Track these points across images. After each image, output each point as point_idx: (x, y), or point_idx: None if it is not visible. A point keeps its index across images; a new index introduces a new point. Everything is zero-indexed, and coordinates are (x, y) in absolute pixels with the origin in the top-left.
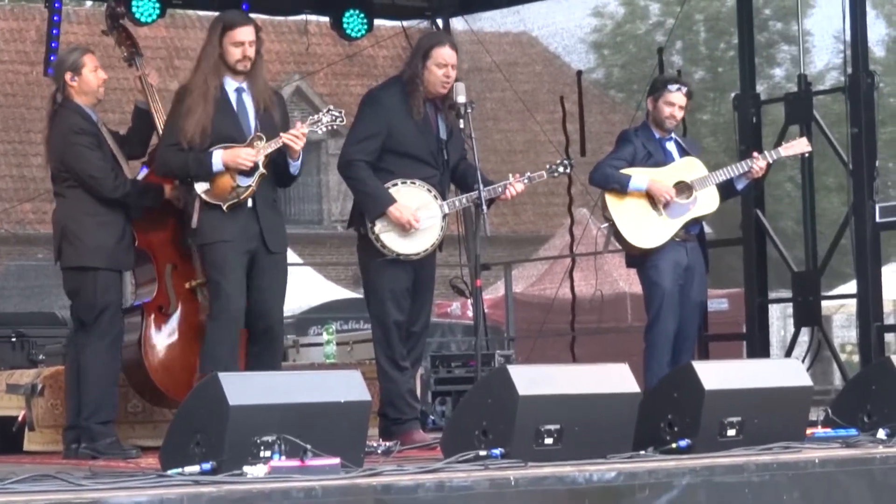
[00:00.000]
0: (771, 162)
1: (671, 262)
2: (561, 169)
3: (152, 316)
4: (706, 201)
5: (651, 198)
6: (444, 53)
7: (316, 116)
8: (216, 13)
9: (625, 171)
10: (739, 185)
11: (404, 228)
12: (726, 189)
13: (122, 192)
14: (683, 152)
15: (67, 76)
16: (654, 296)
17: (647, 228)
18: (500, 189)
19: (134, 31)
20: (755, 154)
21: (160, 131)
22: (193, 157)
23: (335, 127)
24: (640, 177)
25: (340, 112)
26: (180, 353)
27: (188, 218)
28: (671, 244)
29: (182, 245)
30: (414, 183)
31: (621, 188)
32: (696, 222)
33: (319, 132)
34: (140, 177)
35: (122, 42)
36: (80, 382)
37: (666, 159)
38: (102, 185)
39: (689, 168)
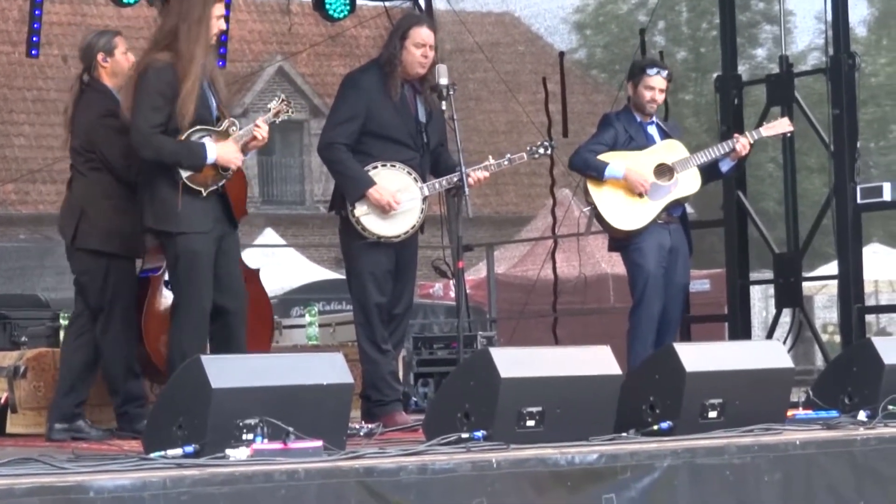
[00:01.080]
0: (752, 142)
1: (654, 244)
2: (542, 150)
3: (157, 289)
4: (687, 183)
5: None
6: (422, 33)
7: (271, 109)
8: None
9: (604, 156)
10: (724, 168)
11: (384, 211)
12: (711, 172)
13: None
14: (665, 135)
15: (100, 57)
16: (638, 278)
17: (629, 211)
18: (480, 171)
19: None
20: (736, 135)
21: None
22: (186, 149)
23: (290, 115)
24: (617, 163)
25: (286, 99)
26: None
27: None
28: (654, 227)
29: None
30: (394, 165)
31: (598, 175)
32: (677, 204)
33: (277, 122)
34: None
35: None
36: (103, 367)
37: (647, 143)
38: (129, 171)
39: (669, 150)
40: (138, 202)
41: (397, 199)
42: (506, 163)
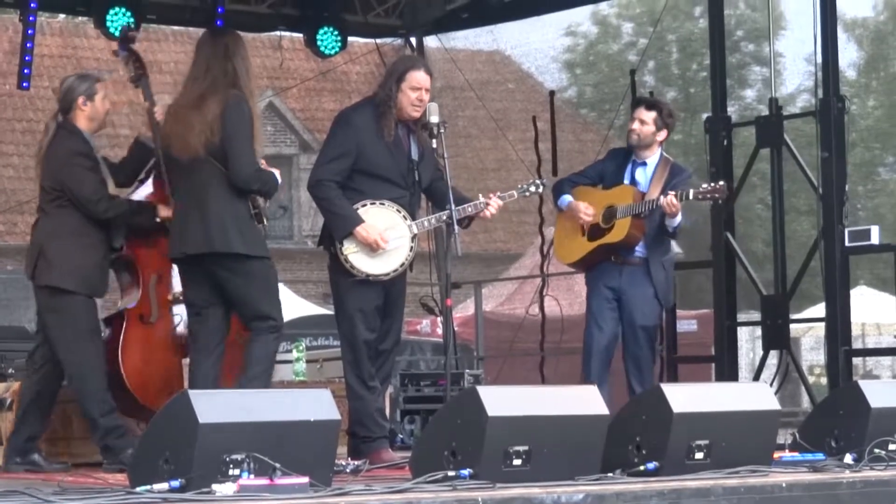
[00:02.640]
0: (681, 201)
1: (598, 281)
2: (532, 189)
3: (133, 322)
4: (617, 230)
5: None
6: (419, 77)
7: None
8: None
9: (578, 189)
10: (670, 226)
11: (372, 249)
12: (661, 226)
13: (113, 213)
14: (654, 178)
15: (80, 100)
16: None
17: (568, 245)
18: (470, 208)
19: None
20: (670, 192)
21: (163, 170)
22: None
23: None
24: (568, 196)
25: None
26: (157, 362)
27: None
28: (605, 265)
29: (164, 259)
30: (383, 203)
31: (554, 204)
32: (624, 248)
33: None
34: (142, 194)
35: (130, 61)
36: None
37: (621, 181)
38: (97, 206)
39: (620, 195)
40: (211, 226)
41: (385, 237)
42: (497, 201)
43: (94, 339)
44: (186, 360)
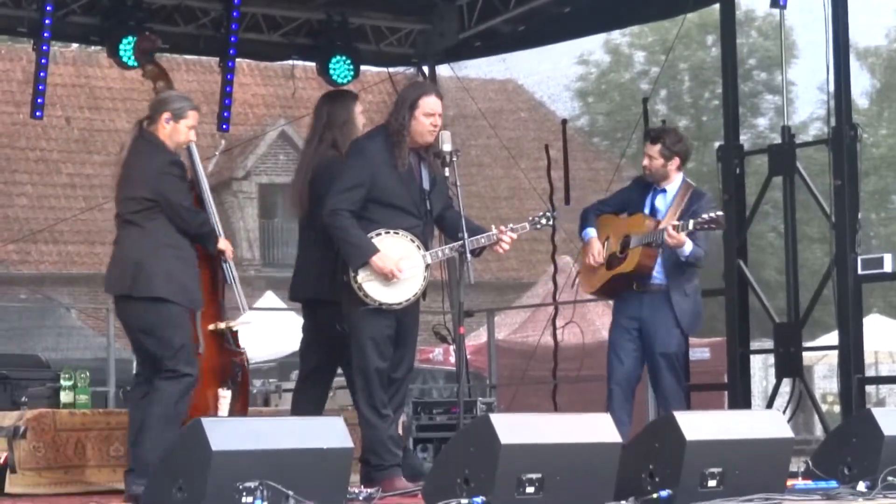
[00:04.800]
0: (679, 233)
1: (620, 311)
2: (543, 221)
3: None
4: (629, 260)
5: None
6: (431, 103)
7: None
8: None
9: (602, 218)
10: (682, 255)
11: (387, 278)
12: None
13: (207, 228)
14: (672, 206)
15: (165, 115)
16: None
17: (590, 275)
18: (483, 240)
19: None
20: (670, 226)
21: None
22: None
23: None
24: (591, 230)
25: None
26: (198, 391)
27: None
28: (628, 293)
29: (210, 289)
30: (398, 233)
31: (579, 235)
32: (633, 276)
33: None
34: None
35: (157, 78)
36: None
37: (642, 210)
38: (195, 218)
39: (636, 224)
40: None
41: (400, 266)
42: (510, 234)
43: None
44: (221, 392)
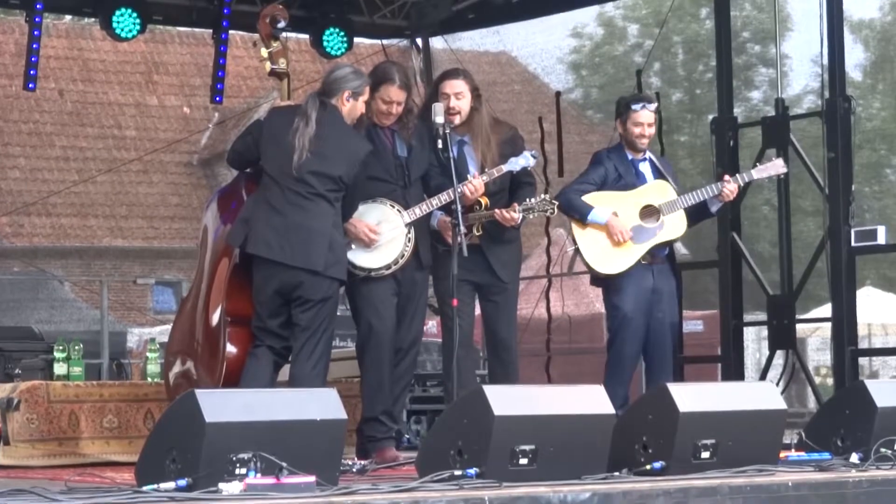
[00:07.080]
0: (741, 185)
1: (635, 285)
2: (522, 161)
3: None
4: (673, 226)
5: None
6: (391, 92)
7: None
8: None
9: (593, 197)
10: (713, 208)
11: (366, 244)
12: (700, 212)
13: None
14: (658, 173)
15: (346, 93)
16: (613, 318)
17: (611, 255)
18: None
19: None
20: (727, 177)
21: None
22: None
23: None
24: (601, 209)
25: None
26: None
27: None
28: (637, 267)
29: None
30: (375, 200)
31: (581, 218)
32: (663, 246)
33: None
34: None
35: (279, 56)
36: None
37: (638, 181)
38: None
39: (657, 191)
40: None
41: (376, 229)
42: (494, 173)
43: None
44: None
